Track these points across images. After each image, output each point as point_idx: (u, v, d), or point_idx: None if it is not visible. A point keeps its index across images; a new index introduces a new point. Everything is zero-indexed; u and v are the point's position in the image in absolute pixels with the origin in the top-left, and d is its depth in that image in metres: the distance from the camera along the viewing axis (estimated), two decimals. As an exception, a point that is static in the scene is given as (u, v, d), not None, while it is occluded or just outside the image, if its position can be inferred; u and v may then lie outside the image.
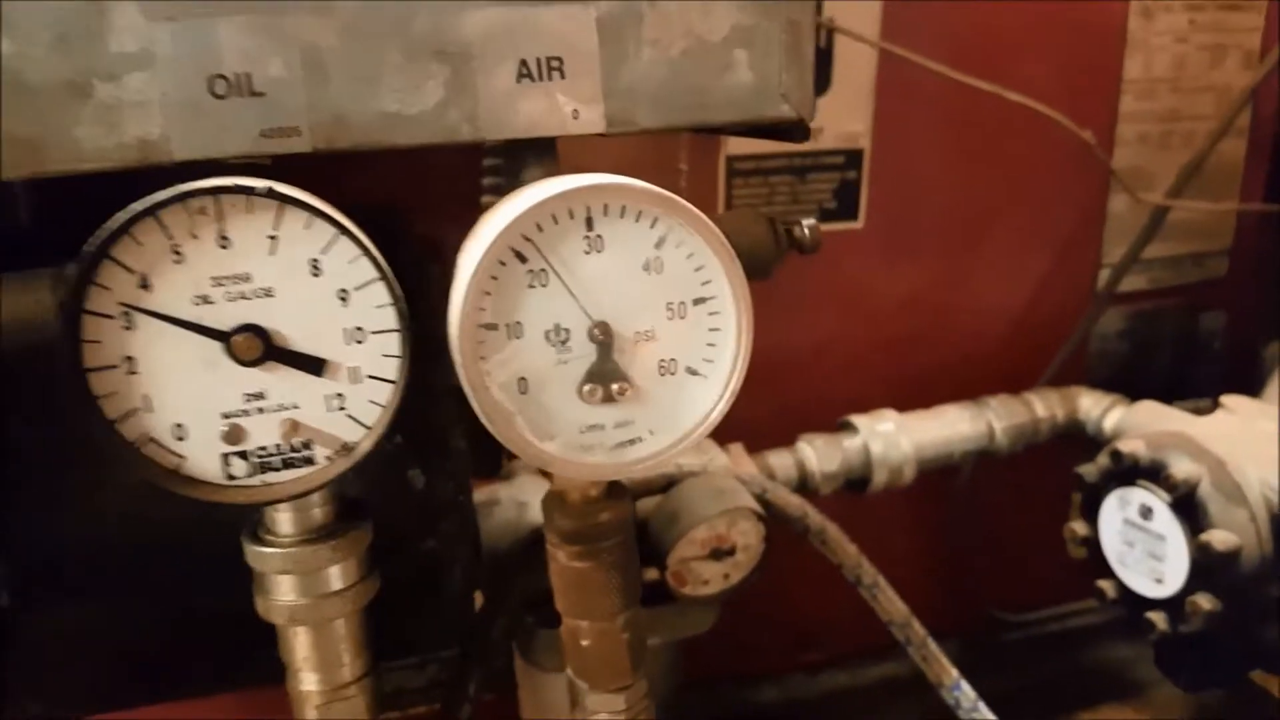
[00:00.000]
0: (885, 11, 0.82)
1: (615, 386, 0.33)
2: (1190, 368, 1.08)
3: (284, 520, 0.39)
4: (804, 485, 0.78)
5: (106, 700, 0.50)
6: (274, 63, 0.36)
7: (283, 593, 0.40)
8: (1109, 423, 0.87)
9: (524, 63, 0.38)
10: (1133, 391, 0.91)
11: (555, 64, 0.38)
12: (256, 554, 0.40)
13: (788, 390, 0.83)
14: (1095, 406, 0.89)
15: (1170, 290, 1.04)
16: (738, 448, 0.76)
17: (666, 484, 0.70)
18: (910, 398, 0.87)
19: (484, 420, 0.32)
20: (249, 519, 0.41)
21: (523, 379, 0.33)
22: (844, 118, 0.84)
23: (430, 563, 0.47)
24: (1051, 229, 0.96)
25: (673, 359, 0.34)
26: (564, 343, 0.33)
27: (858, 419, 0.82)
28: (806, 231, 0.43)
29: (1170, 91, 0.96)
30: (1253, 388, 0.90)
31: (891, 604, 0.72)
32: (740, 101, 0.41)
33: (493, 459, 0.66)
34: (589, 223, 0.33)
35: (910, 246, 0.91)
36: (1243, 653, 0.78)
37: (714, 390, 0.34)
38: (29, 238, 0.52)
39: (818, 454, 0.79)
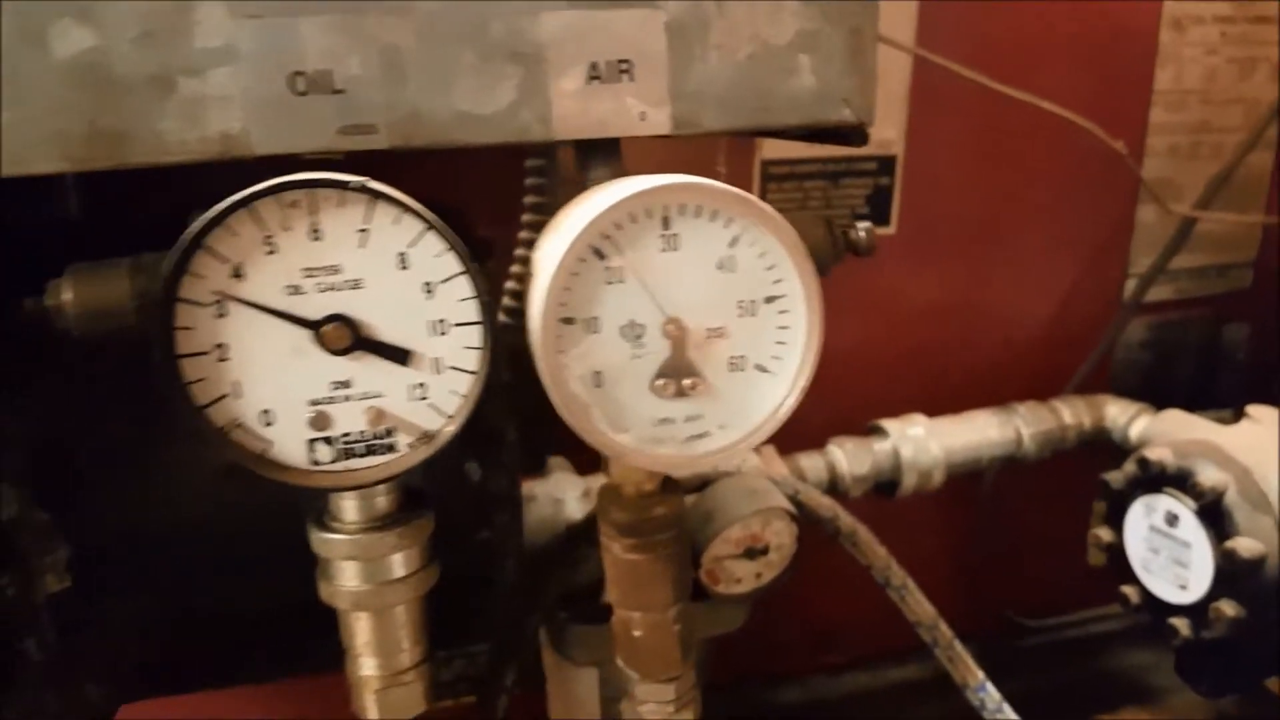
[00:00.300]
0: (920, 19, 0.83)
1: (687, 381, 0.34)
2: (1213, 378, 1.08)
3: (349, 508, 0.40)
4: (834, 487, 0.79)
5: (162, 685, 0.51)
6: (353, 61, 0.37)
7: (347, 578, 0.41)
8: (1135, 431, 0.87)
9: (594, 65, 0.39)
10: (1156, 400, 0.91)
11: (625, 66, 0.39)
12: (322, 540, 0.40)
13: (819, 393, 0.83)
14: (1122, 415, 0.89)
15: (1195, 301, 1.04)
16: (769, 449, 0.76)
17: (701, 483, 0.70)
18: (938, 402, 0.87)
19: (561, 412, 0.33)
20: (314, 507, 0.41)
21: (598, 372, 0.34)
22: (878, 124, 0.83)
23: (484, 554, 0.48)
24: (1080, 238, 0.97)
25: (743, 355, 0.35)
26: (638, 338, 0.34)
27: (888, 423, 0.82)
28: (862, 234, 0.43)
29: (1200, 103, 0.96)
30: (1274, 398, 0.91)
31: (920, 605, 0.73)
32: (803, 105, 0.41)
33: (537, 455, 0.67)
34: (665, 222, 0.33)
35: (941, 252, 0.92)
36: (1264, 659, 0.78)
37: (782, 387, 0.35)
38: (79, 228, 0.53)
39: (848, 457, 0.79)
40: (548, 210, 0.64)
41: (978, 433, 0.85)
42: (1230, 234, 1.02)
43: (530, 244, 0.64)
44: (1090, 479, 0.86)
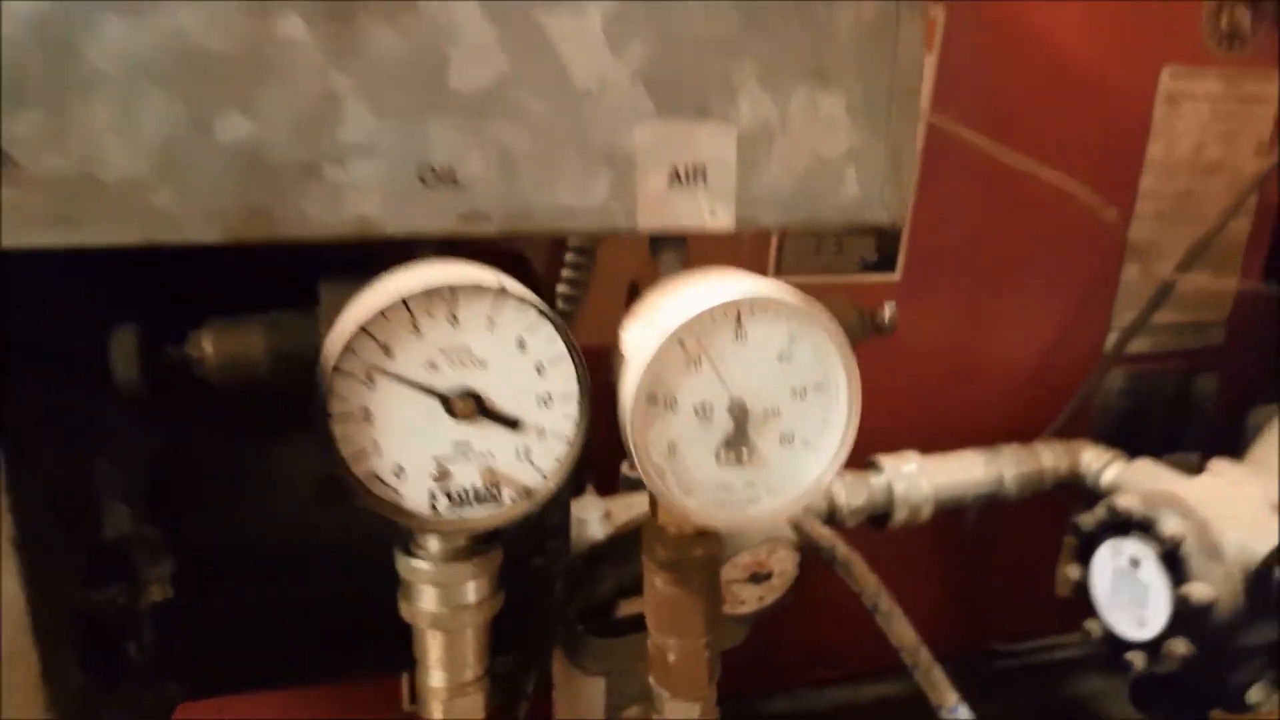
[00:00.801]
0: (936, 85, 0.91)
1: (745, 453, 0.42)
2: (1183, 425, 1.18)
3: (433, 539, 0.47)
4: (832, 517, 0.87)
5: (238, 683, 0.58)
6: (474, 159, 0.43)
7: (427, 601, 0.47)
8: (1107, 477, 0.96)
9: (675, 169, 0.46)
10: (1130, 443, 1.00)
11: (700, 171, 0.46)
12: (408, 566, 0.47)
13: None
14: (1096, 460, 0.98)
15: (1170, 354, 1.14)
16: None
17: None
18: (931, 439, 0.95)
19: (644, 478, 0.40)
20: (400, 535, 0.48)
21: (673, 443, 0.41)
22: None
23: (539, 577, 0.55)
24: (1069, 291, 1.06)
25: (793, 433, 0.42)
26: (707, 415, 0.41)
27: (884, 459, 0.91)
28: (887, 318, 0.51)
29: (1187, 173, 1.06)
30: (1237, 445, 1.01)
31: (904, 631, 0.81)
32: (847, 209, 0.49)
33: (578, 485, 0.74)
34: (738, 319, 0.41)
35: (941, 299, 1.01)
36: (1210, 693, 0.88)
37: (824, 460, 0.43)
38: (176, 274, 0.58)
39: (846, 489, 0.87)
40: (585, 270, 0.72)
41: (965, 472, 0.94)
42: (1206, 294, 1.12)
43: (567, 300, 0.72)
44: (1061, 515, 0.95)
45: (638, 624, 0.80)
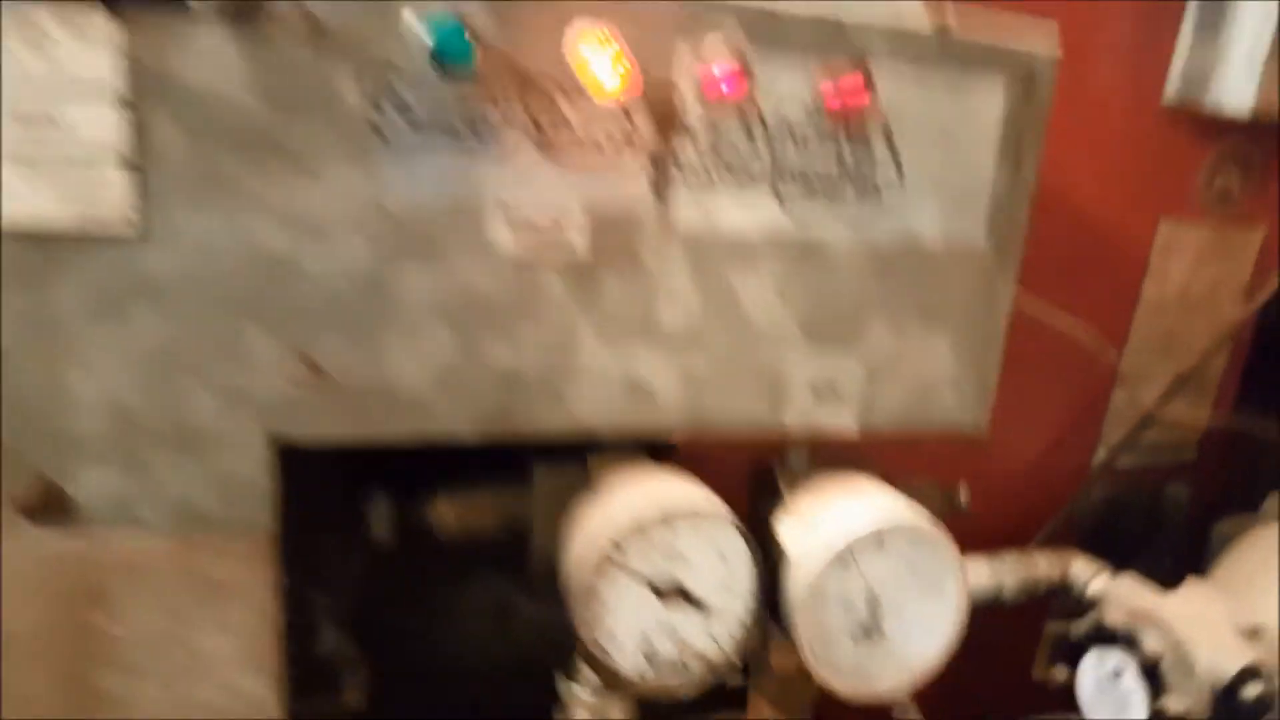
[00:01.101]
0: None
1: (876, 637, 0.56)
2: (1155, 531, 1.38)
3: (589, 671, 0.61)
4: (860, 619, 1.02)
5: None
6: (669, 379, 0.57)
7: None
8: (1093, 588, 1.14)
9: (815, 388, 0.61)
10: (1106, 547, 1.19)
11: (834, 389, 0.61)
12: (568, 689, 0.61)
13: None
14: (1084, 571, 1.15)
15: (1147, 469, 1.33)
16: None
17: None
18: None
19: (803, 653, 0.55)
20: (562, 660, 0.62)
21: (820, 625, 0.56)
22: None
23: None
24: (1062, 412, 1.25)
25: (912, 619, 0.57)
26: (849, 607, 0.56)
27: (906, 567, 1.07)
28: (963, 500, 0.67)
29: (1175, 311, 1.25)
30: (1205, 552, 1.20)
31: (918, 723, 0.97)
32: (943, 419, 0.65)
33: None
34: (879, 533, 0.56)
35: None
36: (1179, 794, 1.06)
37: (939, 643, 0.58)
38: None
39: (874, 594, 1.03)
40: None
41: (973, 576, 1.10)
42: (1183, 420, 1.31)
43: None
44: (1039, 605, 1.12)
45: (691, 707, 0.94)
